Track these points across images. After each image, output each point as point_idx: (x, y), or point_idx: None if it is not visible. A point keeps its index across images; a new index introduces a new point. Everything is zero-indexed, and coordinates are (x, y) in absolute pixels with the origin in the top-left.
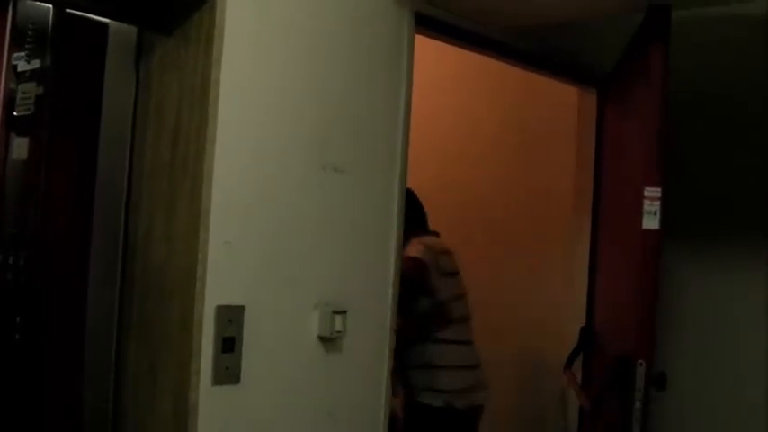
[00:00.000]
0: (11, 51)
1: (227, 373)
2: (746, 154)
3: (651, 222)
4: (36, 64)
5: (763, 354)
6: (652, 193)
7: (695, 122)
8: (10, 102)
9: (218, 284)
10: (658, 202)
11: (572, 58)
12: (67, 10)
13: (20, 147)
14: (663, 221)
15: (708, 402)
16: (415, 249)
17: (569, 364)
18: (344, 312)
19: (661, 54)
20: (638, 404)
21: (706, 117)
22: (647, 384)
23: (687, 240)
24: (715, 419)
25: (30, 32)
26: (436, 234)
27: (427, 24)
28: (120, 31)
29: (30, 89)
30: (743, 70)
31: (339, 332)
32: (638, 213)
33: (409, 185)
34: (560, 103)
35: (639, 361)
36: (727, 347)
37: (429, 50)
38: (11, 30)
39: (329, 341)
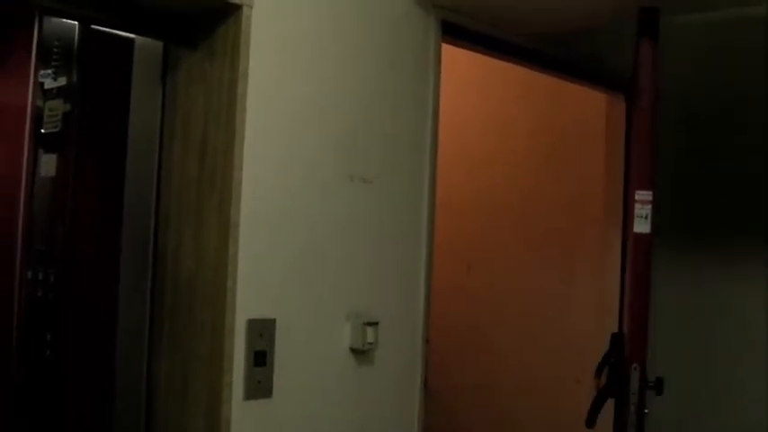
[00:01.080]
0: (37, 69)
1: (260, 387)
2: (747, 152)
3: (642, 226)
4: (62, 81)
5: (764, 351)
6: (643, 196)
7: (696, 122)
8: (37, 119)
9: (249, 297)
10: (649, 206)
11: (599, 63)
12: (93, 26)
13: (48, 164)
14: (664, 220)
15: (707, 400)
16: None
17: (600, 371)
18: (376, 324)
19: (649, 53)
20: (632, 408)
21: (707, 117)
22: (641, 388)
23: (686, 237)
24: (715, 418)
25: (55, 49)
26: None
27: (453, 33)
28: (145, 46)
29: (57, 106)
30: (744, 72)
31: (371, 344)
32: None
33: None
34: (590, 110)
35: (634, 365)
36: (728, 346)
37: (457, 57)
38: (37, 47)
39: (361, 353)
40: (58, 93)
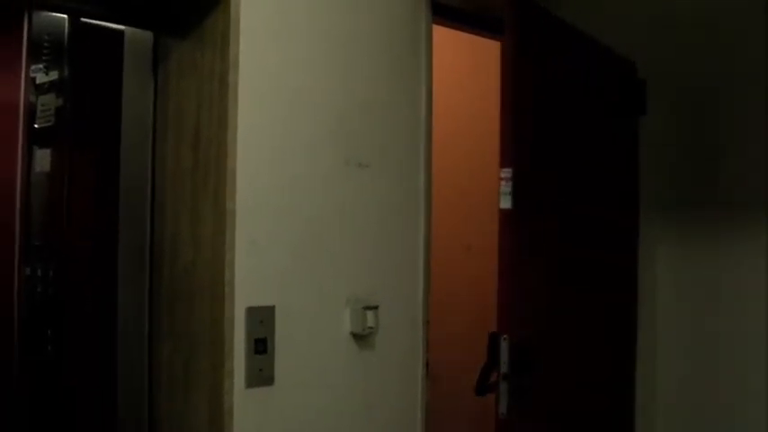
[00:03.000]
0: (29, 64)
1: (261, 375)
2: (743, 124)
3: (506, 202)
4: (54, 75)
5: (764, 333)
6: (505, 173)
7: (691, 90)
8: (31, 114)
9: (247, 286)
10: (511, 183)
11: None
12: (82, 19)
13: (42, 159)
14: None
15: (707, 384)
16: None
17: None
18: (376, 308)
19: (510, 17)
20: (503, 378)
21: (703, 82)
22: (511, 359)
23: (684, 215)
24: (715, 403)
25: (46, 44)
26: None
27: (443, 13)
28: (135, 38)
29: (49, 101)
30: (740, 36)
31: (371, 328)
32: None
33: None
34: None
35: (503, 336)
36: (726, 326)
37: (448, 38)
38: (27, 42)
39: (362, 338)
40: (50, 87)
